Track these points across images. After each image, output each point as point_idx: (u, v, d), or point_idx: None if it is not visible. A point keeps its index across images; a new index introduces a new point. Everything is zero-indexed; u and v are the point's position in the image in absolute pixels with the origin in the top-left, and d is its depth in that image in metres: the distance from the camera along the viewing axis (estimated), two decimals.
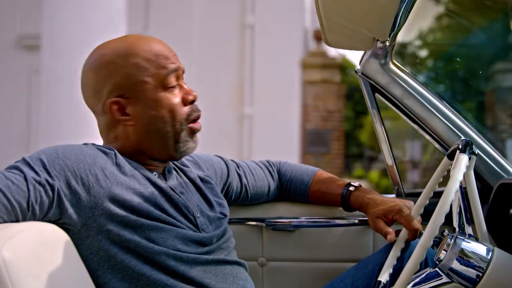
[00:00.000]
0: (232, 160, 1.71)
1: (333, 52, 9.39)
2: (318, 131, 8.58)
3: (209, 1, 9.20)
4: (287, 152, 8.50)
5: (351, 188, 1.68)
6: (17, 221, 1.11)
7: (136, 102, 1.31)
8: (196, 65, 8.30)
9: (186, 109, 1.34)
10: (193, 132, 1.36)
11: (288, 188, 1.79)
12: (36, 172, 1.16)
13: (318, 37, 8.72)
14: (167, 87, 1.31)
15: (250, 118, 9.07)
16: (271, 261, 1.84)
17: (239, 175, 1.68)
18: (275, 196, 1.80)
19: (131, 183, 1.26)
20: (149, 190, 1.29)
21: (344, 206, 1.69)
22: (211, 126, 7.31)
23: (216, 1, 9.24)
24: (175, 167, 1.45)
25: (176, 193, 1.35)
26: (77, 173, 1.20)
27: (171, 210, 1.30)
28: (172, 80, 1.32)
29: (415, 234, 1.52)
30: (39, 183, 1.15)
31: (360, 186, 1.69)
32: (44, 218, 1.17)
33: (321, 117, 8.63)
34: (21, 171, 1.15)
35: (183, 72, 1.37)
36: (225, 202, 1.52)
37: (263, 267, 1.84)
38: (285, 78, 8.85)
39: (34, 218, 1.14)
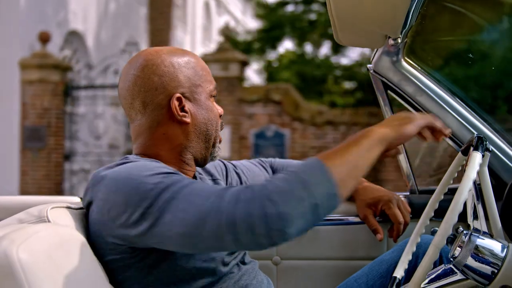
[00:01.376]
0: (229, 161, 1.76)
1: (57, 53, 10.09)
2: (35, 127, 9.14)
3: None
4: (8, 147, 9.28)
5: None
6: None
7: (194, 102, 1.38)
8: None
9: (220, 120, 1.46)
10: (220, 141, 1.46)
11: None
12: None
13: (42, 39, 9.18)
14: (212, 97, 1.43)
15: None
16: (285, 259, 1.85)
17: (237, 174, 1.71)
18: None
19: None
20: None
21: None
22: None
23: None
24: (195, 174, 1.49)
25: None
26: None
27: None
28: (215, 93, 1.44)
29: (399, 228, 1.63)
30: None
31: None
32: None
33: (37, 114, 9.17)
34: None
35: None
36: None
37: (277, 266, 1.85)
38: (4, 79, 9.56)
39: None
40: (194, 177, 1.46)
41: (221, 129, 1.47)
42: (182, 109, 1.36)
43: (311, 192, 1.03)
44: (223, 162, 1.71)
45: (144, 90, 1.35)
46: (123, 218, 1.16)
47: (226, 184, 1.66)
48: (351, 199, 1.78)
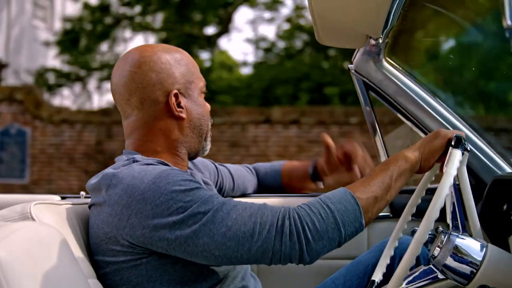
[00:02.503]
0: (219, 163, 1.82)
1: None
2: None
3: None
4: None
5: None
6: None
7: (188, 98, 1.42)
8: None
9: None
10: (210, 136, 1.51)
11: (264, 178, 1.93)
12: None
13: None
14: (202, 93, 1.47)
15: None
16: None
17: (231, 175, 1.79)
18: (256, 191, 1.93)
19: None
20: None
21: (313, 170, 1.81)
22: None
23: None
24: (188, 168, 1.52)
25: None
26: None
27: None
28: (205, 90, 1.48)
29: (362, 162, 1.65)
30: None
31: None
32: None
33: None
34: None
35: None
36: None
37: (257, 265, 1.84)
38: None
39: None
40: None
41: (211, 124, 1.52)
42: (179, 105, 1.40)
43: (342, 233, 1.20)
44: (213, 164, 1.77)
45: (142, 87, 1.37)
46: (148, 229, 1.19)
47: (217, 184, 1.73)
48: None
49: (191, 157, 1.49)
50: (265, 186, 1.92)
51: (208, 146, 1.50)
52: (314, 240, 1.17)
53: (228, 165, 1.84)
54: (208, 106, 1.49)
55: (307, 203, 1.23)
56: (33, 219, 1.26)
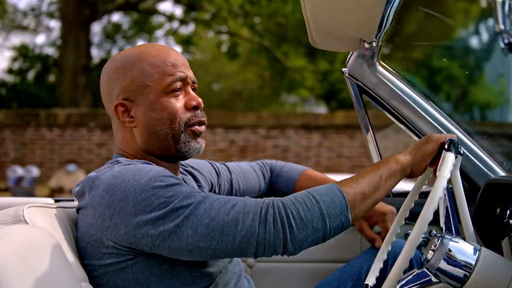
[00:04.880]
0: (224, 164, 1.73)
1: None
2: None
3: None
4: None
5: None
6: None
7: (140, 105, 1.35)
8: None
9: (187, 113, 1.37)
10: (195, 134, 1.38)
11: (276, 182, 1.81)
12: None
13: None
14: (170, 92, 1.35)
15: None
16: (259, 262, 1.84)
17: (230, 181, 1.70)
18: (264, 193, 1.82)
19: None
20: None
21: None
22: None
23: None
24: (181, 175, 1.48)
25: None
26: None
27: None
28: (177, 86, 1.36)
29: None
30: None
31: None
32: None
33: None
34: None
35: (193, 82, 1.41)
36: None
37: (251, 268, 1.84)
38: None
39: None
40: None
41: (195, 122, 1.38)
42: (129, 113, 1.36)
43: (327, 224, 1.18)
44: (214, 168, 1.69)
45: (103, 98, 1.41)
46: (131, 227, 1.18)
47: (214, 190, 1.65)
48: None
49: (170, 159, 1.40)
50: (275, 189, 1.82)
51: (191, 146, 1.37)
52: (298, 229, 1.15)
53: (232, 164, 1.75)
54: (175, 106, 1.35)
55: (293, 194, 1.22)
56: (26, 222, 1.26)
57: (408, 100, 1.77)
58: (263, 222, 1.15)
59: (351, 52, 1.79)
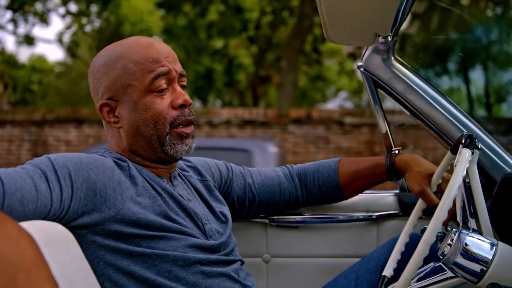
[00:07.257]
0: (242, 166, 1.70)
1: None
2: None
3: None
4: None
5: (396, 151, 1.70)
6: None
7: (124, 105, 1.32)
8: None
9: (173, 112, 1.32)
10: (181, 136, 1.34)
11: (316, 181, 1.71)
12: (59, 181, 1.13)
13: None
14: (154, 91, 1.30)
15: None
16: (275, 257, 1.85)
17: (242, 175, 1.66)
18: (299, 198, 1.72)
19: (143, 200, 1.26)
20: (159, 202, 1.29)
21: (389, 171, 1.65)
22: None
23: None
24: (179, 172, 1.46)
25: (184, 200, 1.36)
26: (97, 186, 1.19)
27: (181, 219, 1.31)
28: (161, 83, 1.30)
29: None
30: (61, 193, 1.13)
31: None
32: (56, 220, 1.16)
33: None
34: (46, 177, 1.11)
35: (181, 75, 1.36)
36: (226, 208, 1.52)
37: (267, 264, 1.85)
38: None
39: (47, 219, 1.14)
40: (174, 177, 1.40)
41: (181, 121, 1.32)
42: (114, 114, 1.34)
43: None
44: (225, 164, 1.65)
45: (92, 97, 1.39)
46: None
47: (225, 185, 1.61)
48: (401, 173, 1.64)
49: (158, 161, 1.36)
50: (317, 190, 1.71)
51: (177, 148, 1.33)
52: None
53: (253, 169, 1.69)
54: (159, 106, 1.30)
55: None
56: None
57: (424, 94, 1.76)
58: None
59: (366, 47, 1.78)
